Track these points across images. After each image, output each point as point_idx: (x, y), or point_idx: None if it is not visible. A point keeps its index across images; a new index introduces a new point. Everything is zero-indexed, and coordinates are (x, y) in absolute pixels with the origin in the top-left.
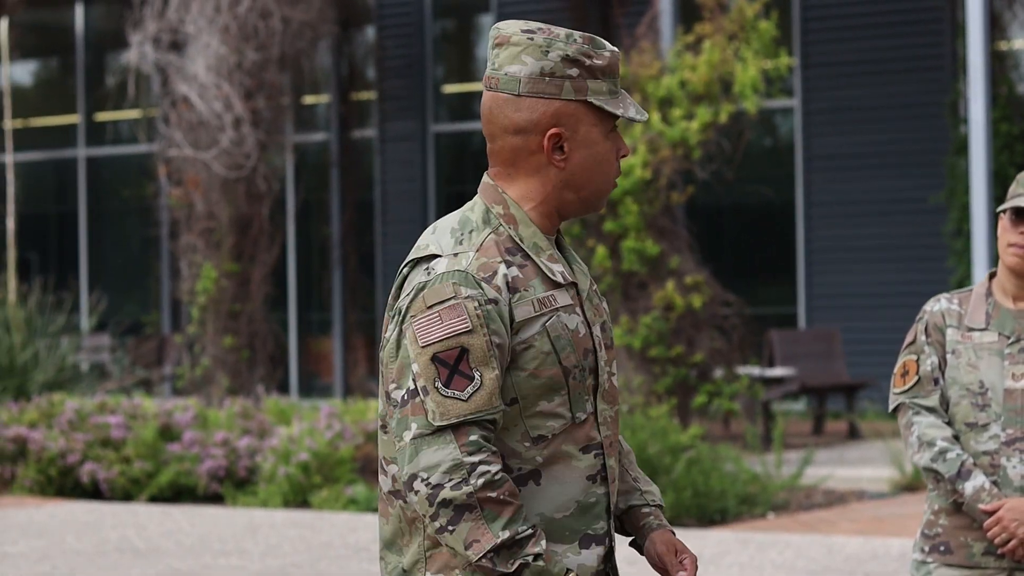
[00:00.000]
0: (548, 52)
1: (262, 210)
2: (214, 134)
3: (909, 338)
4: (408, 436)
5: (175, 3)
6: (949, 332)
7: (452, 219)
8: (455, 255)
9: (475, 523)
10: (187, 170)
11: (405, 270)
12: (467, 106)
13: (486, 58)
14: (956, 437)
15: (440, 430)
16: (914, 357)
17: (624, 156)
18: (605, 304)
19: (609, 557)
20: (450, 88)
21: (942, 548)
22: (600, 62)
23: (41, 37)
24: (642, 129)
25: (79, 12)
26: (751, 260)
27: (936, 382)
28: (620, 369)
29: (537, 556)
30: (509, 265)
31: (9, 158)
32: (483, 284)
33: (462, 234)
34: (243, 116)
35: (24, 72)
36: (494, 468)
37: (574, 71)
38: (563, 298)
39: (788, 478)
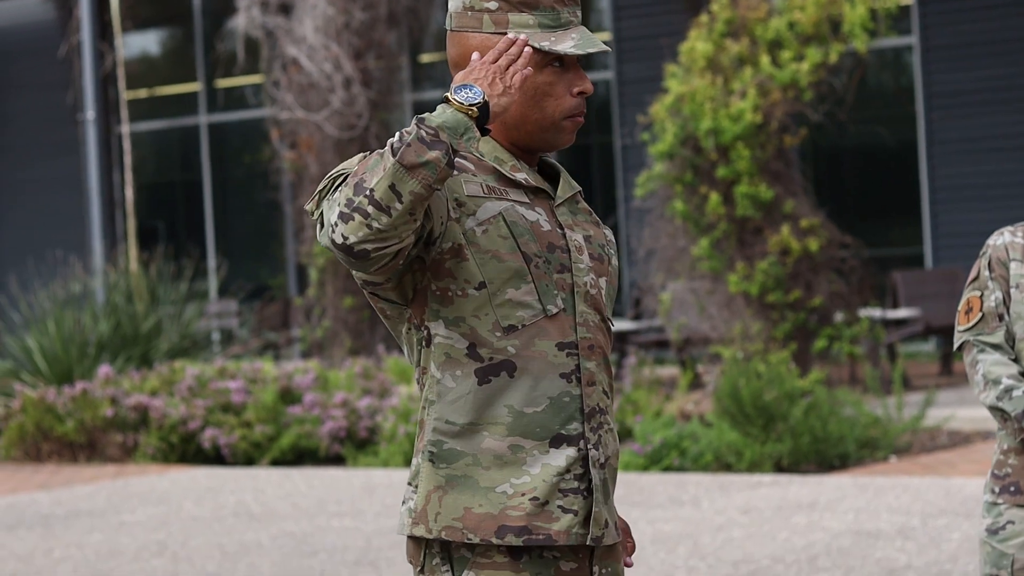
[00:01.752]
0: None
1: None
2: (325, 95)
3: (973, 273)
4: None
5: None
6: (1013, 266)
7: None
8: None
9: (366, 167)
10: (300, 132)
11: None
12: (585, 58)
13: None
14: (1023, 374)
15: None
16: (978, 293)
17: (582, 93)
18: (604, 230)
19: (584, 462)
20: None
21: (1012, 489)
22: None
23: (160, 6)
24: (752, 73)
25: None
26: (874, 202)
27: (1001, 318)
28: (737, 316)
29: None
30: (465, 165)
31: (125, 128)
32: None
33: None
34: (353, 76)
35: (145, 42)
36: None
37: (492, 4)
38: (518, 195)
39: (909, 420)
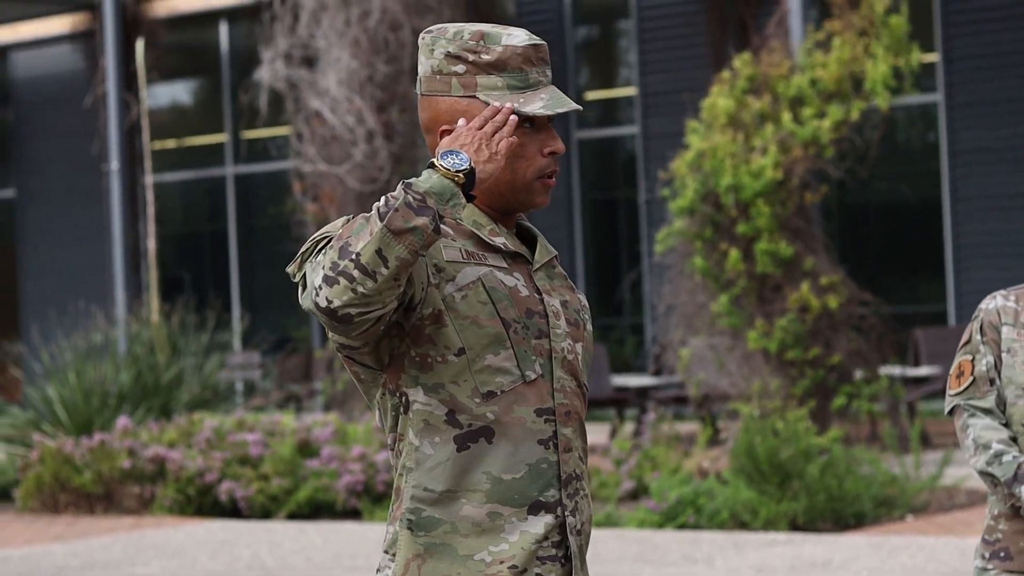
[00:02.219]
0: (433, 50)
1: None
2: (347, 148)
3: (964, 337)
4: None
5: (305, 19)
6: (1005, 330)
7: None
8: None
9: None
10: (322, 185)
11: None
12: (610, 112)
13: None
14: (1014, 439)
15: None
16: (969, 357)
17: (553, 152)
18: (578, 295)
19: (562, 529)
20: (592, 95)
21: (1002, 554)
22: (489, 57)
23: (188, 57)
24: (773, 130)
25: (223, 31)
26: (898, 259)
27: (992, 382)
28: (757, 373)
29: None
30: (443, 222)
31: (149, 179)
32: None
33: None
34: (376, 129)
35: (173, 92)
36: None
37: (460, 67)
38: (496, 260)
39: (927, 479)
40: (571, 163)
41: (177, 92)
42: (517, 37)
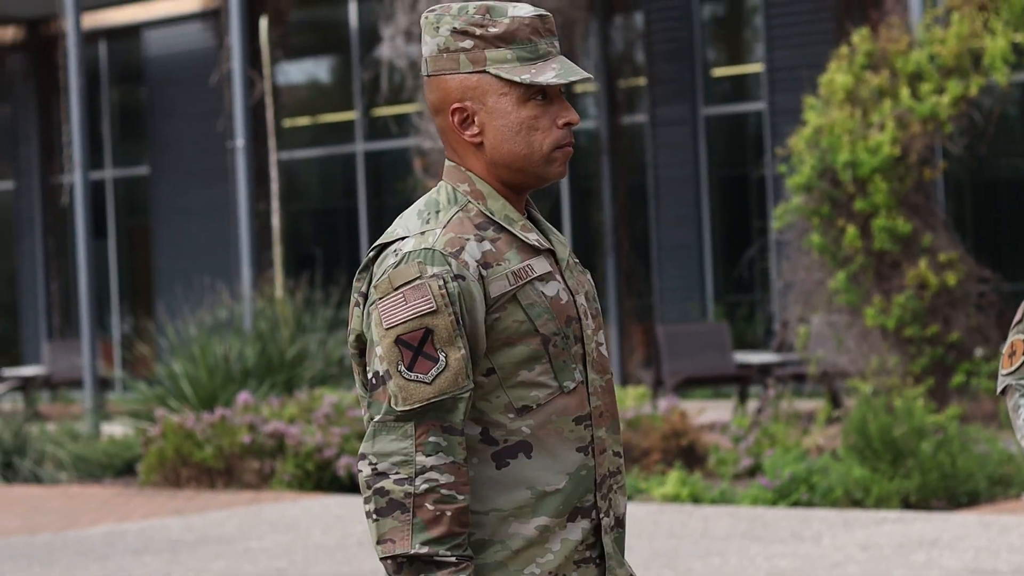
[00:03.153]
0: (439, 28)
1: None
2: None
3: (1017, 316)
4: (373, 419)
5: None
6: None
7: (419, 203)
8: (422, 233)
9: (400, 524)
10: (442, 162)
11: (371, 254)
12: (737, 88)
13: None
14: None
15: (402, 419)
16: (1021, 336)
17: (569, 123)
18: (588, 276)
19: (596, 531)
20: (720, 71)
21: None
22: (496, 29)
23: (317, 34)
24: (891, 105)
25: (352, 8)
26: (1017, 235)
27: None
28: (875, 350)
29: None
30: (481, 240)
31: (273, 156)
32: (450, 260)
33: (428, 214)
34: None
35: (303, 69)
36: (444, 479)
37: (467, 43)
38: (541, 266)
39: None
40: (698, 140)
41: (309, 69)
42: (523, 8)
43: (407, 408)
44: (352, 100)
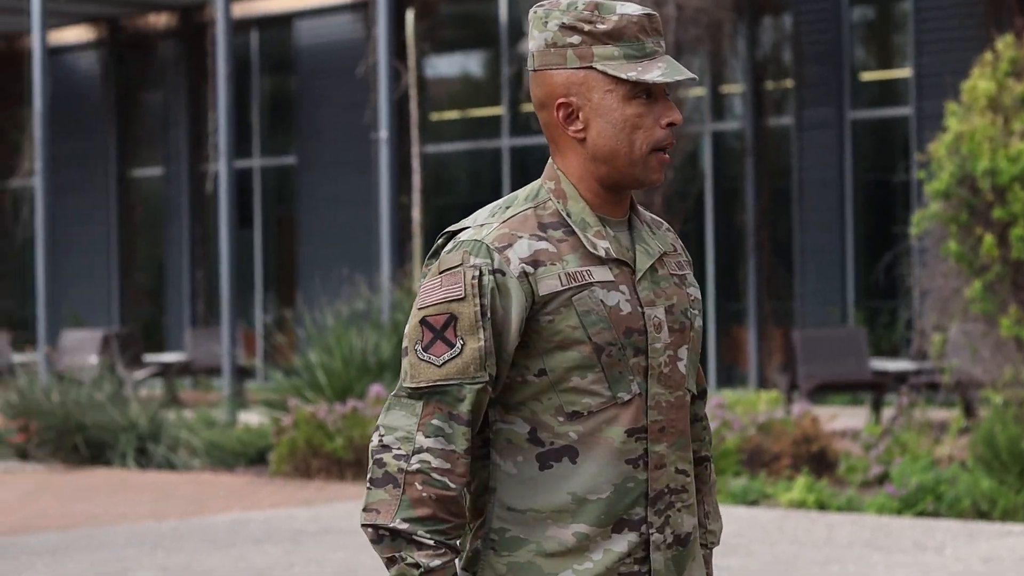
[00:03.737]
0: (547, 23)
1: (655, 199)
2: None
3: None
4: (394, 391)
5: None
6: None
7: (503, 198)
8: (481, 226)
9: (389, 497)
10: None
11: (440, 241)
12: (885, 92)
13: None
14: None
15: (412, 396)
16: None
17: (672, 124)
18: (688, 289)
19: (646, 546)
20: (867, 75)
21: None
22: (604, 26)
23: (469, 29)
24: None
25: (502, 3)
26: None
27: None
28: (1008, 361)
29: (417, 567)
30: (539, 239)
31: (415, 148)
32: (494, 254)
33: (498, 209)
34: None
35: (456, 63)
36: (436, 463)
37: (575, 38)
38: (602, 274)
39: None
40: (844, 143)
41: (457, 63)
42: (631, 7)
43: (413, 386)
44: (500, 95)
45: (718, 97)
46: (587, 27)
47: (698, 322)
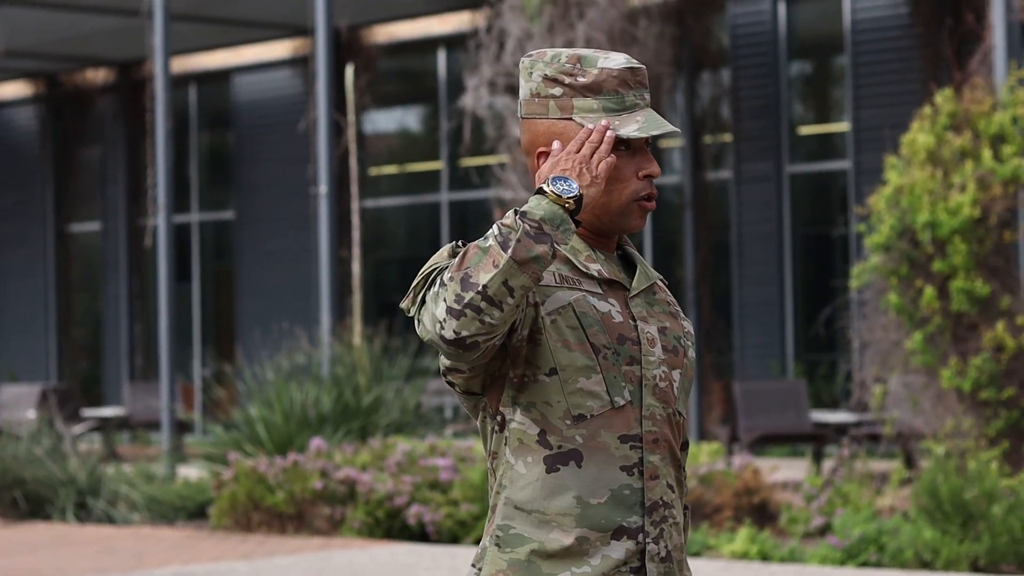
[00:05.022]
0: (532, 73)
1: None
2: None
3: None
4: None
5: (510, 47)
6: None
7: None
8: None
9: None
10: None
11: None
12: (823, 147)
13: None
14: None
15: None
16: None
17: (650, 176)
18: (681, 321)
19: (642, 556)
20: (805, 129)
21: None
22: (585, 79)
23: (406, 84)
24: (973, 167)
25: (441, 58)
26: None
27: None
28: (949, 412)
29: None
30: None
31: (355, 203)
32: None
33: None
34: None
35: (391, 118)
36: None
37: (557, 90)
38: (591, 286)
39: None
40: (782, 198)
41: (396, 118)
42: (615, 60)
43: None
44: (438, 150)
45: (656, 151)
46: (568, 79)
47: (691, 353)
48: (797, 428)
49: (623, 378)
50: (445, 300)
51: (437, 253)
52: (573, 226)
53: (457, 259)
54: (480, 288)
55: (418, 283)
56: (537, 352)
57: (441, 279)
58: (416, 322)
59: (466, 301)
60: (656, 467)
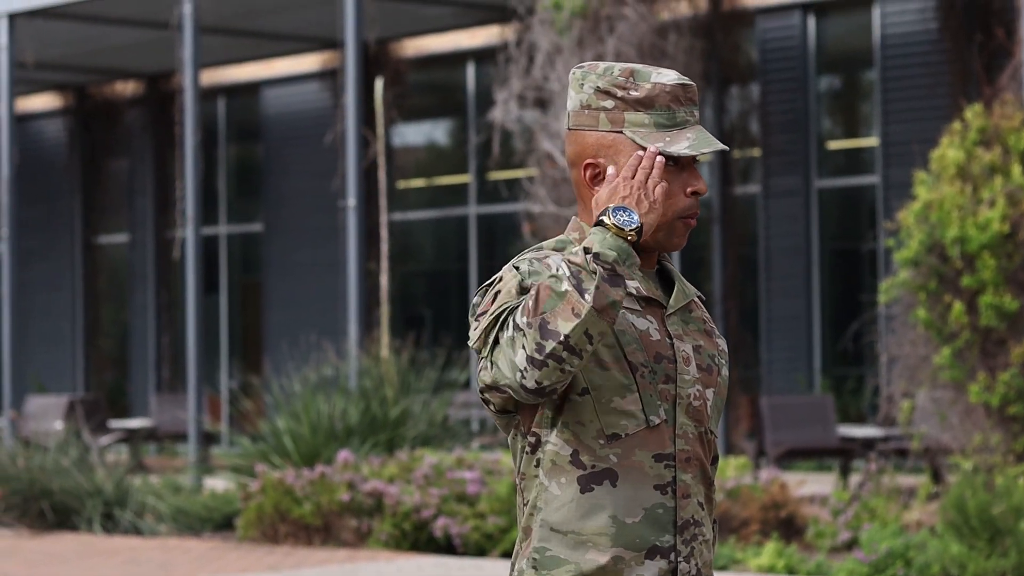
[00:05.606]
0: (583, 85)
1: None
2: None
3: None
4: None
5: (540, 61)
6: None
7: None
8: (515, 266)
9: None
10: (551, 227)
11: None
12: (851, 161)
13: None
14: None
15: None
16: None
17: (697, 193)
18: (716, 339)
19: (673, 574)
20: (834, 144)
21: None
22: (637, 93)
23: (436, 97)
24: (1002, 182)
25: (470, 71)
26: None
27: None
28: (978, 427)
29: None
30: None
31: (384, 216)
32: (534, 262)
33: (527, 253)
34: None
35: (423, 132)
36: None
37: (609, 103)
38: (630, 303)
39: None
40: (811, 212)
41: (425, 131)
42: (667, 76)
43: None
44: (466, 163)
45: None
46: (620, 92)
47: (725, 371)
48: (824, 442)
49: (659, 397)
50: (525, 348)
51: (501, 283)
52: (638, 259)
53: (531, 302)
54: (562, 338)
55: (488, 324)
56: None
57: (515, 322)
58: (489, 364)
59: (548, 351)
60: (688, 486)
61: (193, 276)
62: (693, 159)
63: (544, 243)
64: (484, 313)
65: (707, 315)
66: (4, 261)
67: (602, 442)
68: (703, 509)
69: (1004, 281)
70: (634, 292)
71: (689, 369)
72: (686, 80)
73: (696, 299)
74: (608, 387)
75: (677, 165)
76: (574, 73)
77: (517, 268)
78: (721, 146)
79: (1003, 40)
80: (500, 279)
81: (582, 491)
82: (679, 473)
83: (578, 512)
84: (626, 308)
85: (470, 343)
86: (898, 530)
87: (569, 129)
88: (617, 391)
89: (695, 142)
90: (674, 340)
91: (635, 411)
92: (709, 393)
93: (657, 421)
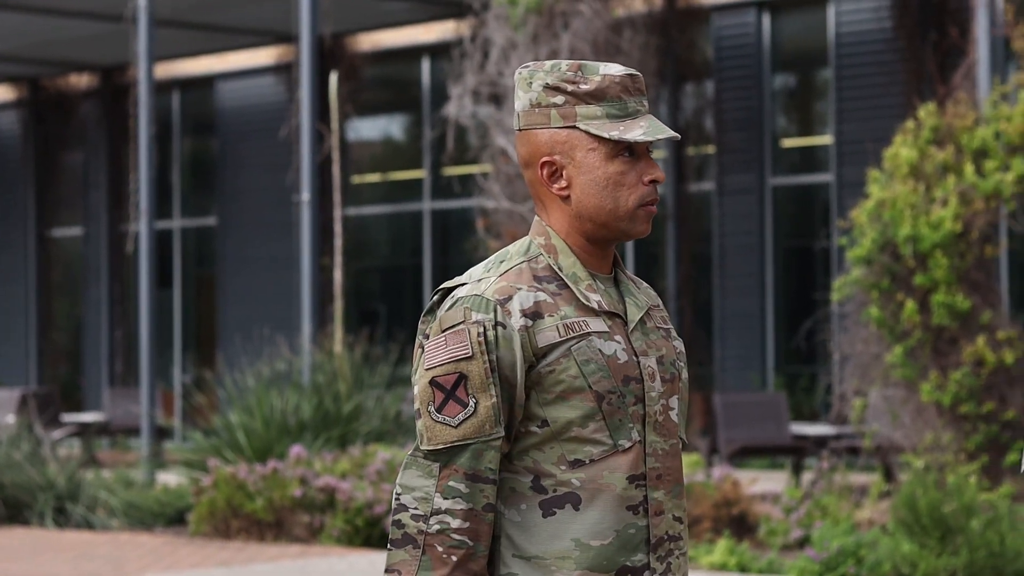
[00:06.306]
0: (532, 83)
1: None
2: None
3: None
4: (409, 450)
5: (495, 56)
6: None
7: (494, 255)
8: (478, 281)
9: (409, 558)
10: (505, 223)
11: (435, 297)
12: (805, 159)
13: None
14: None
15: (428, 457)
16: None
17: (654, 181)
18: (674, 342)
19: None
20: (788, 142)
21: None
22: (587, 87)
23: (391, 92)
24: (955, 181)
25: (425, 66)
26: None
27: None
28: (930, 425)
29: None
30: (536, 291)
31: (337, 211)
32: (497, 307)
33: (492, 264)
34: None
35: (378, 127)
36: (456, 524)
37: (559, 98)
38: (597, 325)
39: None
40: (764, 210)
41: (381, 126)
42: (614, 68)
43: (431, 448)
44: (421, 158)
45: None
46: (570, 87)
47: (684, 374)
48: (777, 440)
49: (629, 419)
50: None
51: (463, 350)
52: None
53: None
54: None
55: (438, 445)
56: (526, 406)
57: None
58: (411, 460)
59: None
60: (661, 503)
61: (147, 270)
62: (648, 148)
63: (510, 248)
64: (433, 366)
65: (665, 313)
66: None
67: (563, 467)
68: (680, 523)
69: (956, 280)
70: (596, 307)
71: (655, 385)
72: (633, 71)
73: (653, 306)
74: (566, 419)
75: (633, 155)
76: (520, 73)
77: (480, 324)
78: (673, 133)
79: (957, 39)
80: (457, 329)
81: (544, 516)
82: (650, 492)
83: (541, 537)
84: (594, 334)
85: (414, 393)
86: (850, 528)
87: (520, 130)
88: (579, 422)
89: (649, 129)
90: (639, 357)
91: (600, 438)
92: (674, 401)
93: (628, 444)
